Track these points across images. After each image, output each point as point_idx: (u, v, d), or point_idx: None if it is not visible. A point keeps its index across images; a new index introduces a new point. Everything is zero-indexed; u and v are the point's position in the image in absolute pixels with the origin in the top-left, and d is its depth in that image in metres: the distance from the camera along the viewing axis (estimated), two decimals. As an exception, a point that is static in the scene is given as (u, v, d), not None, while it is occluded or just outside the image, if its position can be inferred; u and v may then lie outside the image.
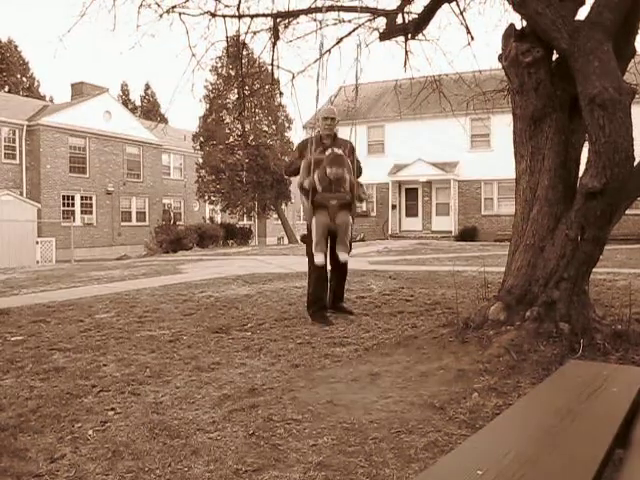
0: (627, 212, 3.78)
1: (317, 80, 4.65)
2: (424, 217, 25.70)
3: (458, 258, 10.90)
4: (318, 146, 4.84)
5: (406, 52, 6.42)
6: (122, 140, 29.84)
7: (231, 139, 28.54)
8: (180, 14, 6.11)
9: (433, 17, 5.26)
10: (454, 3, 5.79)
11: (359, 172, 5.05)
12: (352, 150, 5.00)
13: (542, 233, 3.63)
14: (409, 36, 5.68)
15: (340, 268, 4.95)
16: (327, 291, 4.89)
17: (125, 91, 47.99)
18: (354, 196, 4.78)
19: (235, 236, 26.86)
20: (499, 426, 1.41)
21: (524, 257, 3.70)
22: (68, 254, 19.78)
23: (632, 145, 3.22)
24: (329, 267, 4.91)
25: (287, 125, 29.79)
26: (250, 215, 30.46)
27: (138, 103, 48.49)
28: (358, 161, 5.06)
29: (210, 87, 27.96)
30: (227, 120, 28.31)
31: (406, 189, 25.92)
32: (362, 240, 23.19)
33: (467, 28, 6.16)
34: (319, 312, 4.72)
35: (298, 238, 29.90)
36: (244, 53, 7.11)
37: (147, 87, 49.18)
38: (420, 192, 25.69)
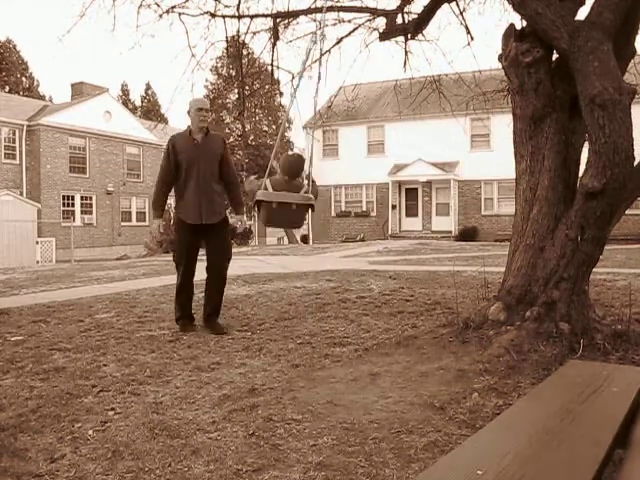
0: (627, 212, 3.78)
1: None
2: (424, 217, 25.71)
3: (458, 258, 10.89)
4: (188, 142, 4.42)
5: (406, 52, 6.44)
6: (122, 140, 29.84)
7: (231, 139, 28.57)
8: (180, 14, 6.13)
9: (433, 17, 5.26)
10: (454, 3, 5.80)
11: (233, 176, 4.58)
12: (225, 145, 4.56)
13: (542, 233, 3.63)
14: (409, 36, 5.69)
15: (214, 276, 4.53)
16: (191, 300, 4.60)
17: (125, 91, 48.02)
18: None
19: (235, 236, 26.85)
20: (499, 426, 1.41)
21: (524, 257, 3.70)
22: (68, 254, 19.78)
23: (632, 145, 3.22)
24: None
25: (287, 125, 29.81)
26: (250, 215, 30.45)
27: (138, 103, 48.52)
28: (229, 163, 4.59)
29: (210, 87, 28.04)
30: (227, 120, 28.35)
31: (406, 189, 25.93)
32: (362, 240, 23.20)
33: (467, 28, 6.18)
34: (181, 320, 4.53)
35: (298, 238, 29.90)
36: (244, 53, 7.13)
37: (148, 87, 49.22)
38: (420, 192, 25.70)
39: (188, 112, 4.46)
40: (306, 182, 4.34)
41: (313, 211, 4.40)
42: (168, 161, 4.47)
